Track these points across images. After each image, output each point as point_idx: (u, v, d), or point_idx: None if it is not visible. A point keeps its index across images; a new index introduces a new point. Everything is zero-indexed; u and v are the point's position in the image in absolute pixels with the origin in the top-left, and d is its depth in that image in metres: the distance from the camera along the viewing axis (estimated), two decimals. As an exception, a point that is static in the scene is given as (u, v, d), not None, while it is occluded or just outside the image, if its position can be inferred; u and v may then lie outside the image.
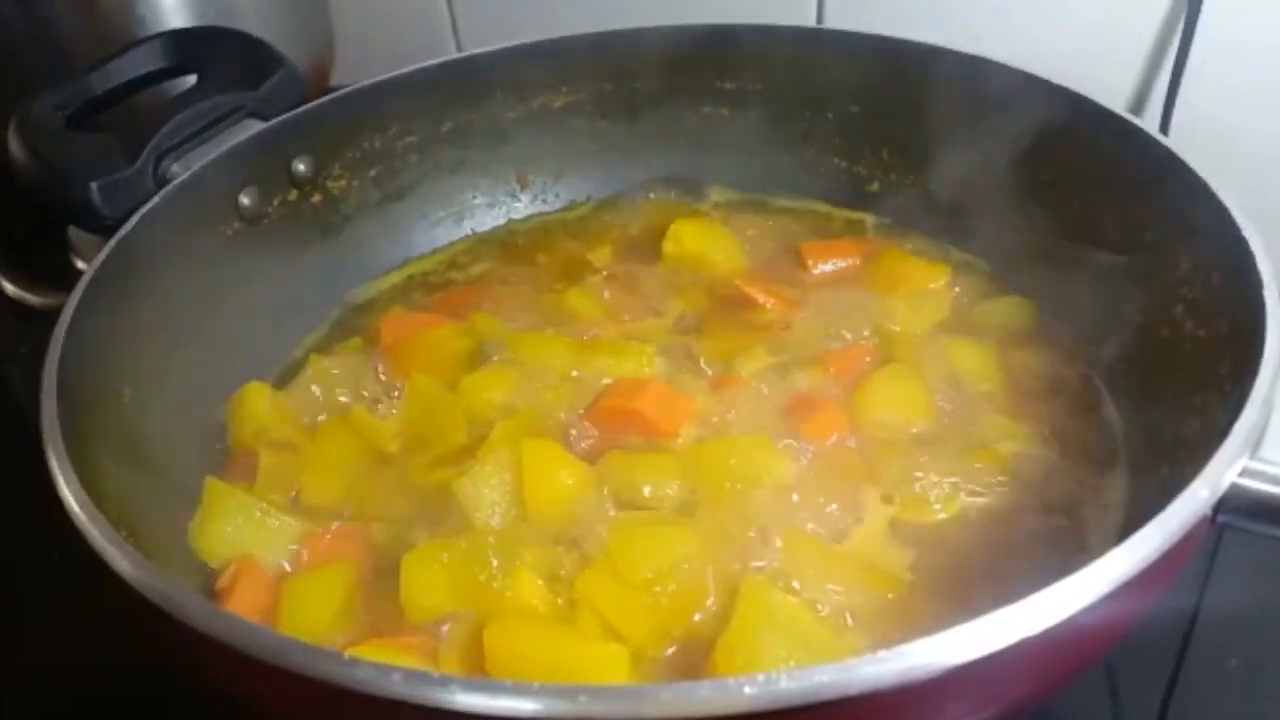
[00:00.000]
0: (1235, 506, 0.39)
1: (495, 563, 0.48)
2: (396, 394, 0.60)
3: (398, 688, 0.32)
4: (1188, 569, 0.52)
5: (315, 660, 0.33)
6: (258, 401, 0.59)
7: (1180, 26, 0.69)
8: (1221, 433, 0.40)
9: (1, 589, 0.61)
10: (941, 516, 0.52)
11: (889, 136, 0.71)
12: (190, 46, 0.68)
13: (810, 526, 0.51)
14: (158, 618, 0.36)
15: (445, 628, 0.48)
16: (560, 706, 0.31)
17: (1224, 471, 0.38)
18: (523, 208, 0.77)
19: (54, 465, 0.42)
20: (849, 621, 0.47)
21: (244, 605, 0.49)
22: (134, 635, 0.43)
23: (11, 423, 0.70)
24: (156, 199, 0.58)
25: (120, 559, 0.38)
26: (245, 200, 0.64)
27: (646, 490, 0.52)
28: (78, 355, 0.49)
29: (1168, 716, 0.50)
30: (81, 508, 0.40)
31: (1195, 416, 0.48)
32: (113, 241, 0.55)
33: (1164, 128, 0.71)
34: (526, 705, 0.31)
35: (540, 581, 0.48)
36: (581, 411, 0.58)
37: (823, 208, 0.74)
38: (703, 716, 0.31)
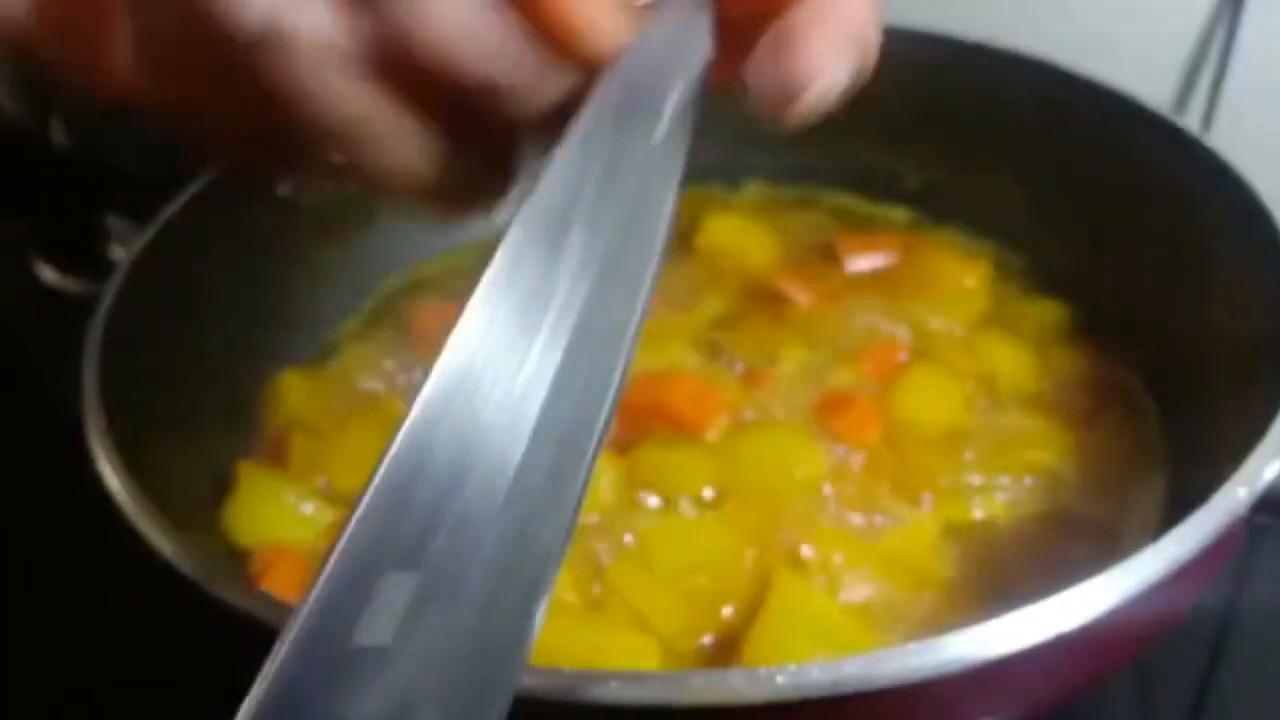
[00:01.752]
0: (1273, 507, 0.39)
1: (526, 552, 0.49)
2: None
3: (430, 671, 0.32)
4: (1223, 570, 0.51)
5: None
6: (293, 387, 0.60)
7: (1224, 25, 0.68)
8: (1259, 432, 0.39)
9: (36, 575, 0.62)
10: (976, 516, 0.52)
11: (929, 132, 0.70)
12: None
13: (842, 522, 0.51)
14: (195, 597, 0.36)
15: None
16: (592, 692, 0.31)
17: (1261, 470, 0.38)
18: (557, 200, 0.77)
19: (95, 447, 0.43)
20: (880, 618, 0.47)
21: (277, 589, 0.49)
22: (166, 621, 0.43)
23: (45, 409, 0.71)
24: (196, 186, 0.59)
25: (160, 537, 0.38)
26: (284, 187, 0.64)
27: (677, 483, 0.52)
28: (116, 342, 0.50)
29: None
30: (125, 487, 0.40)
31: (1233, 417, 0.47)
32: (151, 229, 0.56)
33: (1206, 126, 0.71)
34: (558, 689, 0.31)
35: (569, 572, 0.49)
36: (613, 403, 0.57)
37: (860, 202, 0.74)
38: (733, 704, 0.31)
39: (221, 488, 0.54)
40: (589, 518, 0.51)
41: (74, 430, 0.44)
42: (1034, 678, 0.36)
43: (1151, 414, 0.56)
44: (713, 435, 0.56)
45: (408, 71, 0.25)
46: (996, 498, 0.52)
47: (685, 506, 0.52)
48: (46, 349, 0.80)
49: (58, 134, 0.62)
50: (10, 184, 0.76)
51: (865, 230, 0.71)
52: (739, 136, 0.77)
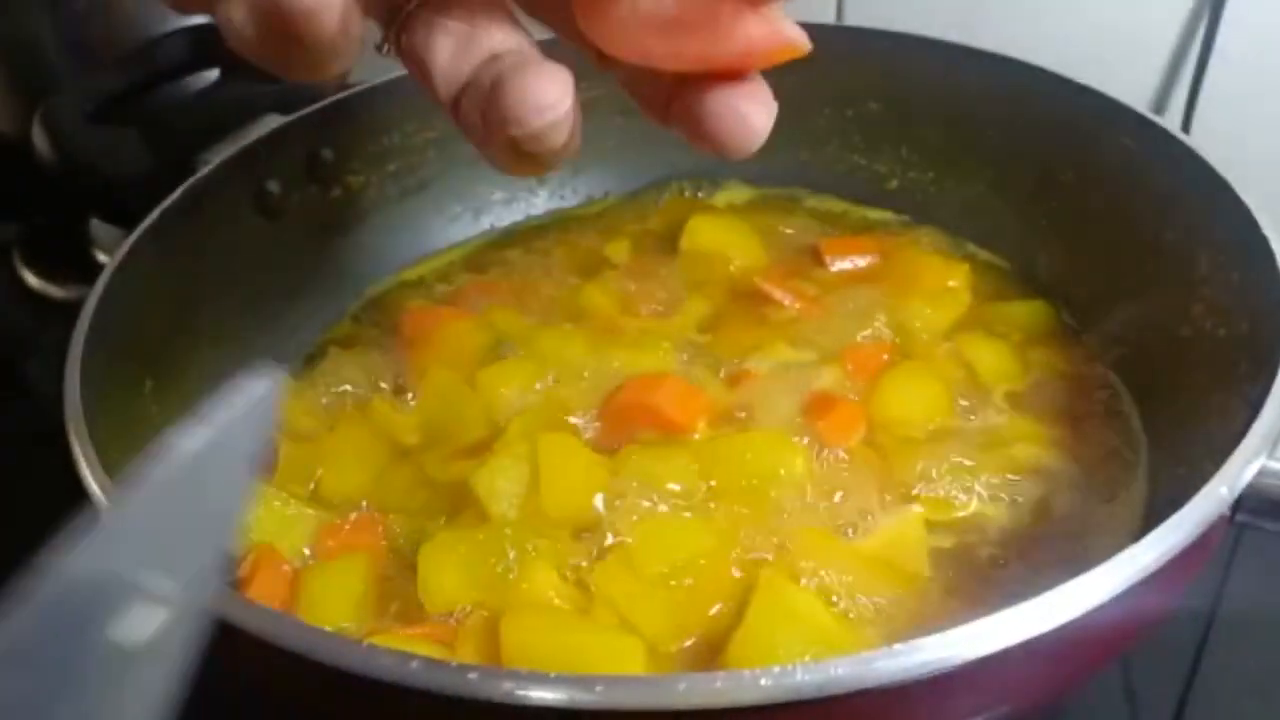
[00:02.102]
0: (1253, 506, 0.39)
1: (511, 554, 0.49)
2: (415, 387, 0.61)
3: (416, 676, 0.32)
4: (1205, 569, 0.52)
5: (336, 648, 0.33)
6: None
7: (1203, 25, 0.68)
8: (1240, 432, 0.40)
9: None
10: (960, 515, 0.52)
11: (909, 134, 0.70)
12: (212, 41, 0.68)
13: (827, 523, 0.51)
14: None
15: (462, 618, 0.48)
16: (578, 696, 0.31)
17: (1243, 469, 0.38)
18: (541, 203, 0.77)
19: (78, 454, 0.43)
20: (865, 618, 0.47)
21: (263, 594, 0.49)
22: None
23: (32, 414, 0.71)
24: (178, 192, 0.59)
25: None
26: (266, 193, 0.64)
27: (663, 484, 0.52)
28: (100, 347, 0.49)
29: (1184, 717, 0.50)
30: (106, 495, 0.40)
31: (1214, 416, 0.48)
32: (134, 234, 0.56)
33: (1185, 126, 0.71)
34: (543, 694, 0.31)
35: (555, 573, 0.49)
36: (598, 406, 0.58)
37: (841, 205, 0.74)
38: (718, 708, 0.31)
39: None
40: (575, 521, 0.51)
41: (62, 434, 0.44)
42: (1019, 676, 0.36)
43: (1133, 413, 0.56)
44: (698, 436, 0.56)
45: None
46: (979, 497, 0.52)
47: (671, 508, 0.52)
48: (34, 353, 0.80)
49: (39, 142, 0.61)
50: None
51: (848, 232, 0.71)
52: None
